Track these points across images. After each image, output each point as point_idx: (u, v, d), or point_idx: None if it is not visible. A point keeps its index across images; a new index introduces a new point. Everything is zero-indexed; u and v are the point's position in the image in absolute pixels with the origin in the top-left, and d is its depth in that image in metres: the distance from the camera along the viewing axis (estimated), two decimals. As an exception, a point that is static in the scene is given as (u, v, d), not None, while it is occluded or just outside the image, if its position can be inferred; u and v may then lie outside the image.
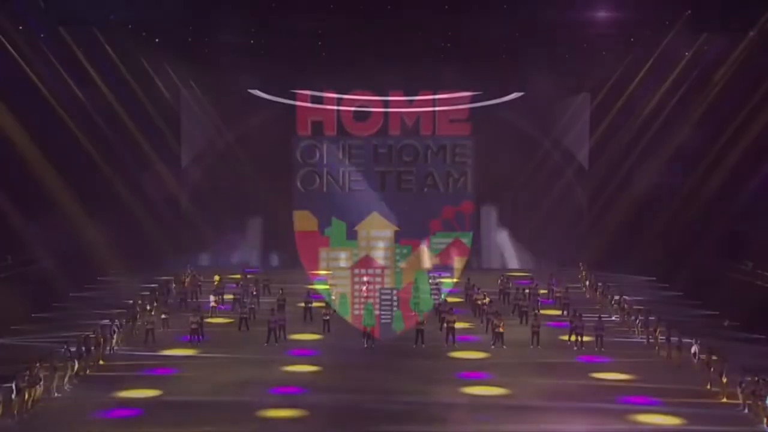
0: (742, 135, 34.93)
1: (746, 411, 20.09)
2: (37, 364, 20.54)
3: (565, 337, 27.52)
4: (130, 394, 21.58)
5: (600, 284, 34.66)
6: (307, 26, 34.55)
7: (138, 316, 28.39)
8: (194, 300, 33.03)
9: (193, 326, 27.30)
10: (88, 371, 23.09)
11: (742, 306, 30.57)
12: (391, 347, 26.82)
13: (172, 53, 38.79)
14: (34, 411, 19.74)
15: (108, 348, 25.33)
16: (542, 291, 33.46)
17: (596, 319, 27.73)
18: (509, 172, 42.66)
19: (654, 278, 39.29)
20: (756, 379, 20.09)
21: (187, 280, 35.03)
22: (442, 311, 29.16)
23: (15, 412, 19.18)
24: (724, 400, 21.25)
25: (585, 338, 26.93)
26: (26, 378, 19.85)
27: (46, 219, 34.62)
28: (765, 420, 19.21)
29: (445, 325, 27.64)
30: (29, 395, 19.77)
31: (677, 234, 37.67)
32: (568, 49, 37.18)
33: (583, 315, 27.98)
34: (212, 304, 31.35)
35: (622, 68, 39.23)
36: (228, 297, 32.91)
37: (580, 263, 39.67)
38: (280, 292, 31.18)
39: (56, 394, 21.15)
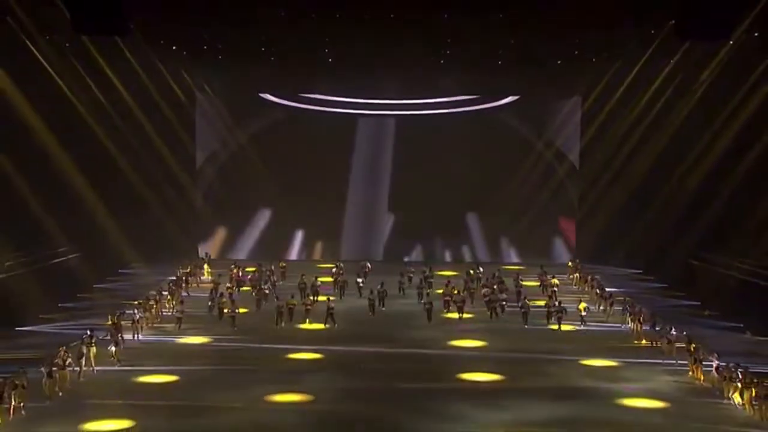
0: (722, 136, 35.18)
1: (717, 392, 20.52)
2: (63, 350, 20.90)
3: (554, 326, 28.16)
4: (150, 379, 21.91)
5: (590, 277, 34.89)
6: (314, 34, 34.79)
7: (155, 307, 28.71)
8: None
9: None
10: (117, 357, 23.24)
11: (722, 297, 30.92)
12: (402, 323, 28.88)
13: (188, 59, 39.14)
14: (63, 394, 20.05)
15: (134, 335, 25.72)
16: (534, 283, 34.03)
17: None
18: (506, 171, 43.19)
19: (641, 271, 39.48)
20: (730, 365, 20.50)
21: (203, 271, 35.49)
22: (445, 294, 30.87)
23: (48, 394, 19.48)
24: (702, 383, 21.61)
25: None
26: (56, 363, 20.23)
27: (72, 215, 35.06)
28: (737, 401, 19.59)
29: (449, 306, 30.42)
30: (60, 379, 20.11)
31: (663, 229, 37.78)
32: (561, 55, 37.38)
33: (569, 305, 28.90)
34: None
35: (612, 73, 39.39)
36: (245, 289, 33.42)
37: (571, 257, 39.94)
38: (301, 277, 32.39)
39: (81, 379, 21.48)
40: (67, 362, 20.60)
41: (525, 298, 29.99)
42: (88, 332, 23.15)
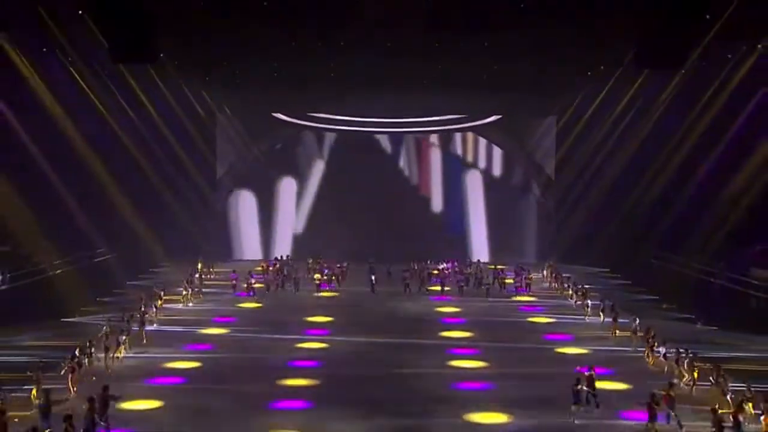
0: (677, 152, 35.73)
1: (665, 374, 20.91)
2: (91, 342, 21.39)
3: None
4: (175, 365, 22.07)
5: (566, 276, 35.32)
6: (321, 61, 35.27)
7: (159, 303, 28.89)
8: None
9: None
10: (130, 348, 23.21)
11: (678, 292, 31.42)
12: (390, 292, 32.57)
13: (209, 83, 39.68)
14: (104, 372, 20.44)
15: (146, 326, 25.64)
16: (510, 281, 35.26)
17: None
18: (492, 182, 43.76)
19: (608, 269, 39.94)
20: (677, 349, 21.02)
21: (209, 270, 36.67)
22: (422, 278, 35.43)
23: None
24: (652, 363, 22.09)
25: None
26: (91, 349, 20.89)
27: (109, 221, 35.55)
28: (682, 379, 19.92)
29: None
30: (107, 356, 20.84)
31: (627, 233, 38.21)
32: (538, 80, 37.86)
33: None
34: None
35: (582, 97, 39.96)
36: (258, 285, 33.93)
37: (548, 258, 40.36)
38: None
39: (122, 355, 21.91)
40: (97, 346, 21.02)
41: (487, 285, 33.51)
42: (107, 320, 23.63)
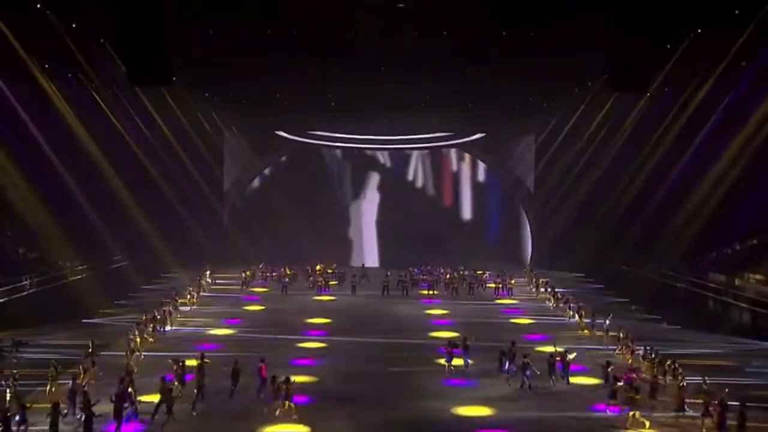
0: (643, 168, 36.51)
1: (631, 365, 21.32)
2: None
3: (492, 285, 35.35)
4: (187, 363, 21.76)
5: (544, 281, 35.69)
6: (319, 84, 35.95)
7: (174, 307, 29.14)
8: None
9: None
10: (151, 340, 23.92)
11: (646, 295, 31.99)
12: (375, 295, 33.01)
13: (218, 103, 40.27)
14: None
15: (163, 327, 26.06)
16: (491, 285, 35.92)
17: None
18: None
19: (582, 274, 40.52)
20: (645, 347, 21.62)
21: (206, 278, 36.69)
22: (402, 280, 35.80)
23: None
24: (630, 362, 22.45)
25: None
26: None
27: (125, 230, 36.00)
28: (650, 374, 20.32)
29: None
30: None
31: (600, 241, 38.64)
32: (518, 101, 38.66)
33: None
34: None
35: (558, 118, 40.68)
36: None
37: (528, 264, 40.97)
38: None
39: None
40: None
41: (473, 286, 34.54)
42: (136, 323, 23.99)
